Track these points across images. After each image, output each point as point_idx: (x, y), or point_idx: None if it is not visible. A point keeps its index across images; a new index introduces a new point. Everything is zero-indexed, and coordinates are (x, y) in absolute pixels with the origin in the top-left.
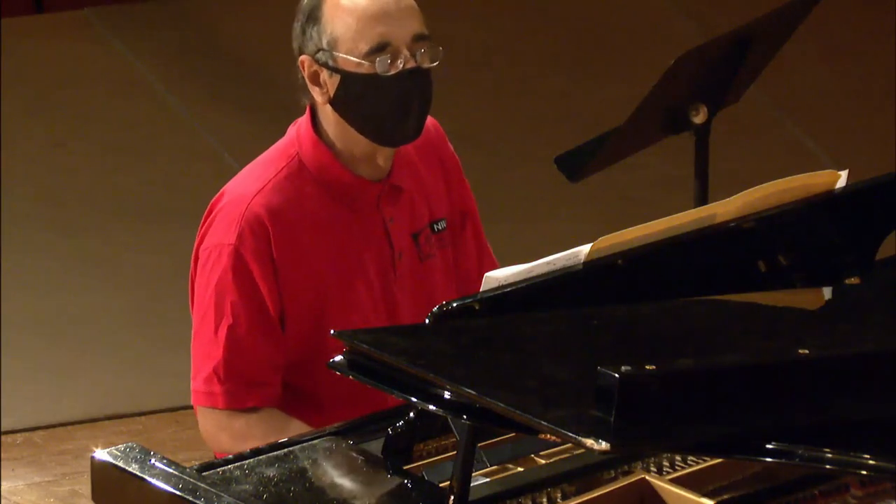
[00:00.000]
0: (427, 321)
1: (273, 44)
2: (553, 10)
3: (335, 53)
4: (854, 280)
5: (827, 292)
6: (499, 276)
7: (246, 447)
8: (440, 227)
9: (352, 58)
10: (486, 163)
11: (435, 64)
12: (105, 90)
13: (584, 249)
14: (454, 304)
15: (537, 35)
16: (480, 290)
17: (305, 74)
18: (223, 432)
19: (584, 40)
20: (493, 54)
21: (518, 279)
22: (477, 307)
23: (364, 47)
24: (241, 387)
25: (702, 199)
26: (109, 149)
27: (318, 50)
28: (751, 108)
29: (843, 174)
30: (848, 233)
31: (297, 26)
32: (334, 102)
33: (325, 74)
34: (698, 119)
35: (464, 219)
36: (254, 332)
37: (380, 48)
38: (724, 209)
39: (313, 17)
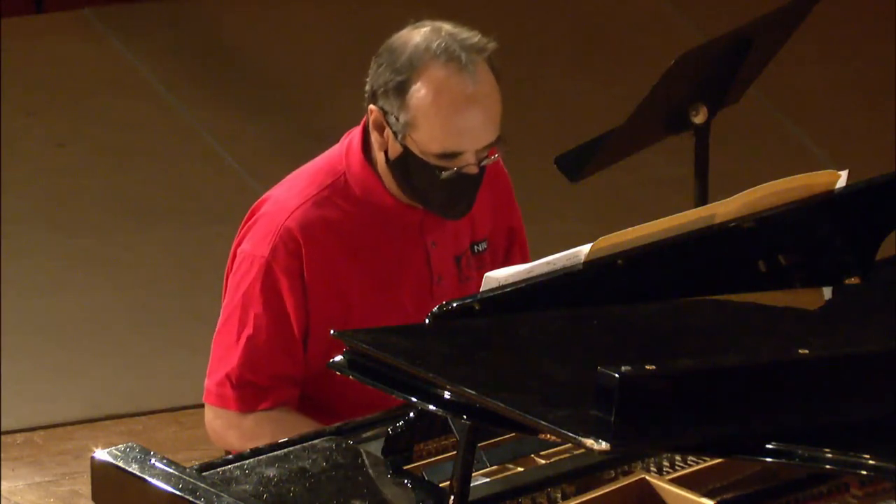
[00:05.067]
0: (427, 321)
1: (273, 44)
2: (553, 9)
3: (407, 133)
4: (854, 280)
5: (827, 292)
6: (499, 276)
7: (254, 446)
8: (480, 249)
9: (420, 148)
10: None
11: (495, 159)
12: (105, 90)
13: (584, 249)
14: (454, 304)
15: (537, 35)
16: (480, 290)
17: (370, 119)
18: (232, 430)
19: (583, 40)
20: (492, 54)
21: (518, 279)
22: (477, 307)
23: (436, 150)
24: (252, 392)
25: (702, 199)
26: (109, 149)
27: (393, 116)
28: (751, 108)
29: (843, 174)
30: (848, 233)
31: (379, 73)
32: (390, 163)
33: (389, 133)
34: (698, 119)
35: (510, 238)
36: (272, 346)
37: (450, 156)
38: (724, 209)
39: (402, 87)
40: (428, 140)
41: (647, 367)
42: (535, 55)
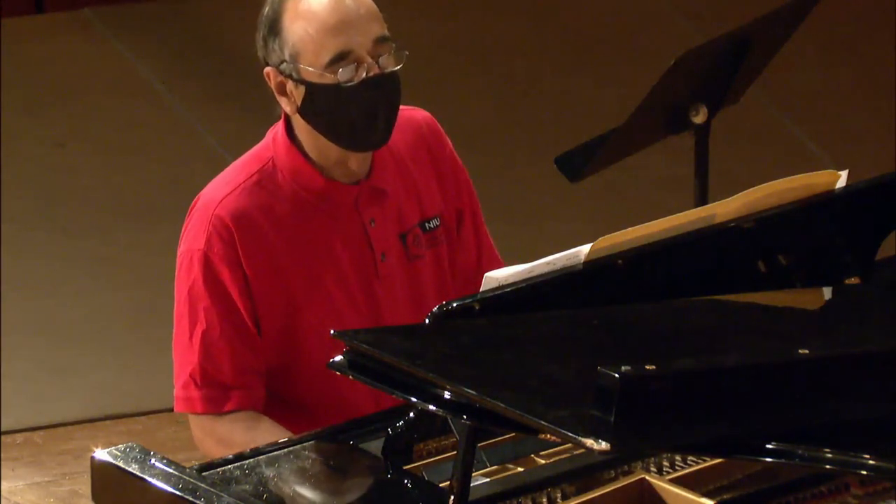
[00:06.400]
0: (427, 321)
1: None
2: (553, 10)
3: (298, 65)
4: (854, 280)
5: (827, 292)
6: (499, 276)
7: (231, 451)
8: (432, 226)
9: (314, 69)
10: (486, 163)
11: (399, 66)
12: (105, 90)
13: (584, 249)
14: (454, 304)
15: (537, 35)
16: (480, 290)
17: (272, 85)
18: (208, 437)
19: (583, 40)
20: (492, 54)
21: (518, 279)
22: (477, 307)
23: (325, 58)
24: (217, 391)
25: (702, 199)
26: (109, 149)
27: (282, 62)
28: (751, 108)
29: (843, 174)
30: (848, 233)
31: (259, 37)
32: (302, 112)
33: (290, 85)
34: (698, 119)
35: (460, 215)
36: (228, 337)
37: (341, 58)
38: (724, 209)
39: (274, 29)
40: (314, 55)
41: (647, 367)
42: (535, 55)
